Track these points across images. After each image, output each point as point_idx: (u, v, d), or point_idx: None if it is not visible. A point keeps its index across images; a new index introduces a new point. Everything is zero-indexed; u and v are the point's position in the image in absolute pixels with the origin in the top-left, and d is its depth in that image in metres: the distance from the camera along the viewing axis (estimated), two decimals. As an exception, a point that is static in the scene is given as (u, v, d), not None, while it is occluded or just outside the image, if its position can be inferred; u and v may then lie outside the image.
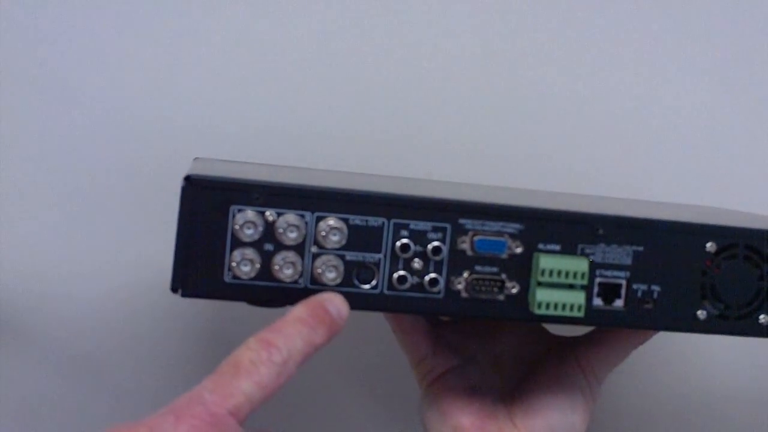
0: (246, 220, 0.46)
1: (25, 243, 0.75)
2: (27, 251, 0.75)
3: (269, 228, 0.47)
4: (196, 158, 0.68)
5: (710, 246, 0.50)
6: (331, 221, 0.47)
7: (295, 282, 0.47)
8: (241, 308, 0.50)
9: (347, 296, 0.47)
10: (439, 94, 0.78)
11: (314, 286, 0.47)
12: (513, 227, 0.49)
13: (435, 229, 0.48)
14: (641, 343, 0.58)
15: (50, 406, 0.77)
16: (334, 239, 0.47)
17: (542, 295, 0.48)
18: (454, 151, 0.77)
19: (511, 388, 0.59)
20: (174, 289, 0.47)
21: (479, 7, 0.77)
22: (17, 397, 0.77)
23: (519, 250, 0.49)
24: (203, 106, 0.75)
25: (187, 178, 0.46)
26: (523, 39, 0.78)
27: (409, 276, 0.48)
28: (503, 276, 0.49)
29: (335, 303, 0.46)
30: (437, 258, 0.48)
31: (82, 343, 0.76)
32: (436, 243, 0.48)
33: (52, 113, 0.74)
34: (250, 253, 0.46)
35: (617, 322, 0.50)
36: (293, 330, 0.43)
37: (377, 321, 0.60)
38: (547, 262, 0.48)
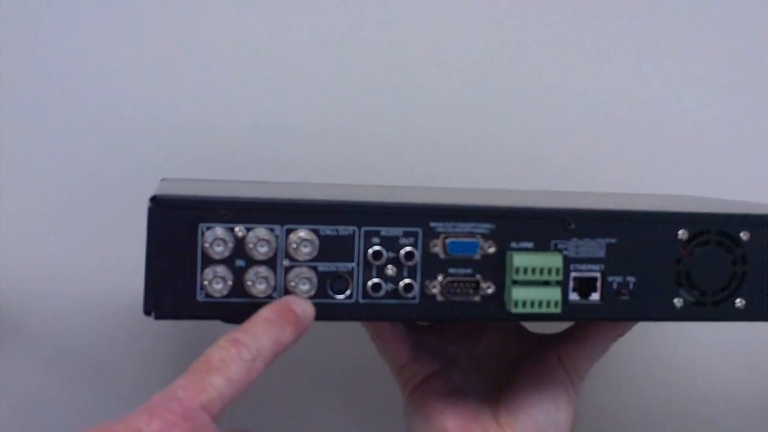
0: (215, 238, 0.46)
1: (26, 243, 0.75)
2: (27, 252, 0.75)
3: (239, 244, 0.46)
4: (163, 179, 0.67)
5: (682, 233, 0.50)
6: (302, 233, 0.47)
7: (269, 297, 0.47)
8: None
9: (322, 307, 0.47)
10: (430, 94, 0.78)
11: None
12: (484, 227, 0.48)
13: (406, 234, 0.48)
14: (620, 336, 0.58)
15: (49, 405, 0.77)
16: (306, 251, 0.47)
17: (518, 293, 0.48)
18: (442, 151, 0.78)
19: (495, 389, 0.58)
20: (147, 312, 0.46)
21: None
22: (16, 396, 0.76)
23: (492, 249, 0.48)
24: (205, 108, 0.76)
25: (153, 199, 0.46)
26: (518, 37, 0.79)
27: (383, 283, 0.48)
28: (478, 277, 0.48)
29: (300, 304, 0.46)
30: (410, 263, 0.48)
31: (81, 343, 0.77)
32: (408, 248, 0.48)
33: (53, 115, 0.75)
34: (221, 270, 0.46)
35: (594, 316, 0.50)
36: (261, 329, 0.44)
37: (356, 329, 0.60)
38: (520, 260, 0.48)
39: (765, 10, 0.82)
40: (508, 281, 0.48)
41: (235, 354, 0.43)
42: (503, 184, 0.78)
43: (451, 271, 0.48)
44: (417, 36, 0.78)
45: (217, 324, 0.48)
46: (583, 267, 0.49)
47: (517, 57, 0.80)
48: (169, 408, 0.40)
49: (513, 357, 0.60)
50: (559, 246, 0.49)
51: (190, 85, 0.76)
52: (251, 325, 0.44)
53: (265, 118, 0.77)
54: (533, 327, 0.61)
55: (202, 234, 0.46)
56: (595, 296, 0.50)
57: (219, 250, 0.46)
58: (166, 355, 0.78)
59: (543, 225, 0.49)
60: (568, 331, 0.59)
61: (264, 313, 0.45)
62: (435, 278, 0.48)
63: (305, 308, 0.46)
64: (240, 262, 0.46)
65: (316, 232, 0.47)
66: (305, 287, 0.47)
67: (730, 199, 0.71)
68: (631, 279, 0.50)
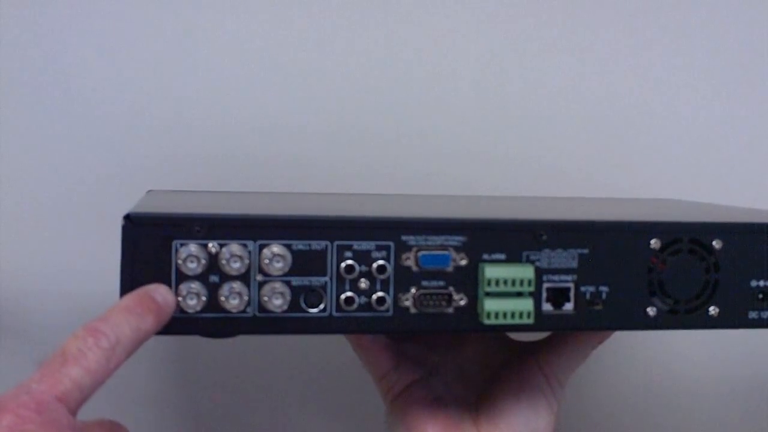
0: (189, 254, 0.46)
1: (26, 243, 0.76)
2: (28, 251, 0.76)
3: (213, 260, 0.47)
4: (149, 191, 0.68)
5: (654, 243, 0.50)
6: (275, 248, 0.47)
7: (243, 311, 0.47)
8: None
9: (296, 321, 0.48)
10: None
11: (262, 314, 0.47)
12: (456, 240, 0.49)
13: (378, 248, 0.48)
14: (600, 343, 0.58)
15: None
16: (278, 266, 0.47)
17: (490, 305, 0.48)
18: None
19: (476, 397, 0.59)
20: None
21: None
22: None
23: (464, 262, 0.49)
24: (201, 108, 0.77)
25: (127, 217, 0.46)
26: (516, 39, 0.80)
27: (356, 296, 0.48)
28: (450, 289, 0.49)
29: (161, 292, 0.46)
30: (383, 276, 0.48)
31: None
32: (380, 262, 0.48)
33: (53, 116, 0.75)
34: (195, 286, 0.47)
35: (568, 326, 0.50)
36: (121, 318, 0.43)
37: (338, 337, 0.60)
38: (492, 271, 0.48)
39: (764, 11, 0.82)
40: (480, 293, 0.49)
41: (92, 343, 0.41)
42: (496, 184, 0.79)
43: (424, 283, 0.49)
44: (413, 34, 0.79)
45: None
46: (556, 278, 0.50)
47: (516, 58, 0.80)
48: (21, 402, 0.39)
49: (494, 365, 0.60)
50: (531, 257, 0.49)
51: (186, 86, 0.77)
52: (110, 314, 0.43)
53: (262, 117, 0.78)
54: (514, 335, 0.62)
55: (176, 251, 0.46)
56: (568, 306, 0.50)
57: (192, 267, 0.46)
58: (169, 355, 0.79)
59: (514, 237, 0.49)
60: (547, 339, 0.59)
61: (124, 301, 0.44)
62: (408, 291, 0.48)
63: (166, 296, 0.46)
64: (214, 278, 0.47)
65: (288, 246, 0.47)
66: (279, 302, 0.47)
67: (727, 203, 0.72)
68: (604, 289, 0.50)
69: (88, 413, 0.75)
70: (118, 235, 0.74)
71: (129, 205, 0.75)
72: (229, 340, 0.50)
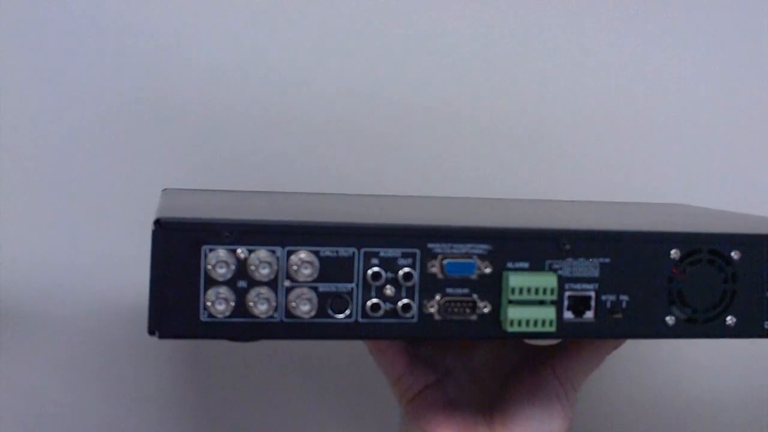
0: (218, 260, 0.47)
1: (28, 240, 0.76)
2: (29, 249, 0.76)
3: (241, 265, 0.47)
4: (164, 189, 0.68)
5: (674, 253, 0.51)
6: (302, 254, 0.48)
7: (271, 317, 0.48)
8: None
9: (322, 327, 0.48)
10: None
11: (289, 319, 0.48)
12: (481, 248, 0.49)
13: (405, 255, 0.49)
14: (615, 349, 0.59)
15: (50, 406, 0.78)
16: (306, 272, 0.48)
17: (514, 312, 0.49)
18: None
19: (490, 400, 0.59)
20: (151, 332, 0.47)
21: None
22: (18, 396, 0.77)
23: (488, 270, 0.49)
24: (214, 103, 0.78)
25: (157, 222, 0.47)
26: (521, 35, 0.80)
27: (382, 303, 0.49)
28: (474, 296, 0.49)
29: None
30: (408, 283, 0.49)
31: (83, 342, 0.78)
32: (406, 269, 0.49)
33: (54, 105, 0.75)
34: (224, 291, 0.47)
35: (588, 334, 0.51)
36: None
37: (354, 342, 0.61)
38: (516, 280, 0.49)
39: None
40: (504, 301, 0.49)
41: None
42: (507, 188, 0.80)
43: (449, 290, 0.49)
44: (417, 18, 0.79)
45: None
46: (578, 286, 0.50)
47: (519, 54, 0.80)
48: None
49: (508, 369, 0.61)
50: (554, 266, 0.50)
51: (188, 81, 0.77)
52: None
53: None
54: (529, 339, 0.62)
55: (205, 256, 0.47)
56: (589, 315, 0.51)
57: (221, 272, 0.47)
58: (170, 356, 0.79)
59: (538, 245, 0.50)
60: (562, 344, 0.60)
61: None
62: (433, 298, 0.49)
63: None
64: (242, 283, 0.47)
65: (316, 253, 0.48)
66: (305, 307, 0.48)
67: (733, 205, 0.72)
68: (625, 298, 0.51)
69: (95, 414, 0.75)
70: (123, 235, 0.75)
71: (130, 205, 0.75)
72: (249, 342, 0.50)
